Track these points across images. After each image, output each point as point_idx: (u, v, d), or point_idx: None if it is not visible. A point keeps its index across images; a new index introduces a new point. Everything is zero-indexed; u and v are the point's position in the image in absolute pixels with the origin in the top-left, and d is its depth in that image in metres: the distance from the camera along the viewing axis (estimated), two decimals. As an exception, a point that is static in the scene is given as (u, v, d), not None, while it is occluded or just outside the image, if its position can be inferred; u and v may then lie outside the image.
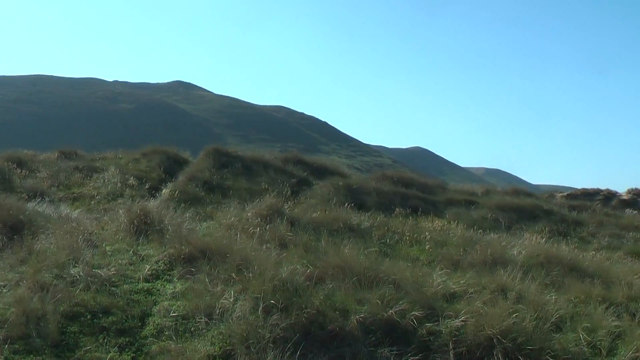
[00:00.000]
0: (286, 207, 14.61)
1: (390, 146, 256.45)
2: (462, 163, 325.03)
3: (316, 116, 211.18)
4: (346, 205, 15.86)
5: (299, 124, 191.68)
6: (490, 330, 7.95)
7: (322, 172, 25.84)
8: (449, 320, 8.25)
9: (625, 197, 51.04)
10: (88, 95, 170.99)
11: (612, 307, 9.87)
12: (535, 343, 7.99)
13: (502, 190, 32.33)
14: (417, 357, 7.62)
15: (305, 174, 24.27)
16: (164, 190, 19.39)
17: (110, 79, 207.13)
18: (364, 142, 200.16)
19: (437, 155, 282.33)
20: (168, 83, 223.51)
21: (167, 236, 10.88)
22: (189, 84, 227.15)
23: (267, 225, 12.14)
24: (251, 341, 7.28)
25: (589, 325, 8.82)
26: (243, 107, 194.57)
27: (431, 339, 8.00)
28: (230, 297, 8.26)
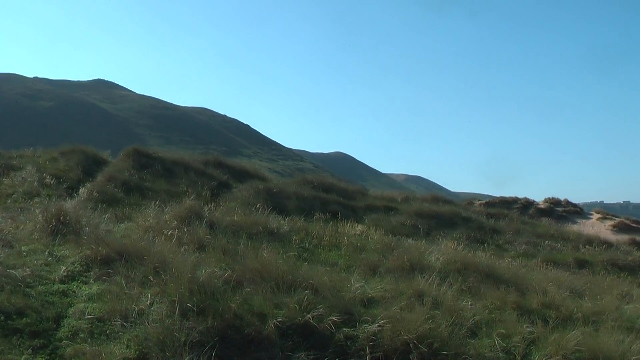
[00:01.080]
0: (206, 209, 14.52)
1: (312, 151, 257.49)
2: (384, 169, 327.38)
3: (239, 119, 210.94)
4: (266, 209, 15.83)
5: (222, 126, 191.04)
6: (407, 336, 8.02)
7: (242, 175, 25.80)
8: (366, 325, 8.30)
9: (542, 206, 52.05)
10: (7, 91, 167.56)
11: (526, 314, 10.06)
12: (451, 348, 8.09)
13: (422, 197, 32.59)
14: (334, 362, 7.66)
15: (226, 177, 24.18)
16: (81, 190, 19.10)
17: (30, 76, 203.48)
18: (286, 146, 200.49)
19: (358, 161, 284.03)
20: (89, 81, 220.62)
21: (84, 237, 10.70)
22: (111, 82, 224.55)
23: (185, 227, 12.03)
24: (167, 344, 7.20)
25: (504, 331, 8.98)
26: (165, 107, 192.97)
27: (348, 343, 8.03)
28: (147, 300, 8.19)
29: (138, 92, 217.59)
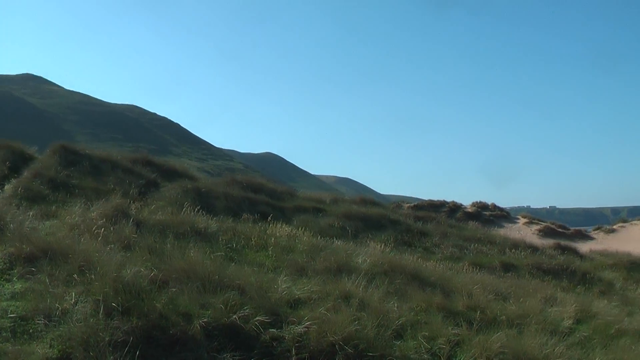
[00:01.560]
0: (133, 208, 14.39)
1: (242, 151, 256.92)
2: (314, 171, 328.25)
3: (169, 117, 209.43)
4: (194, 208, 15.73)
5: (152, 124, 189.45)
6: (333, 337, 8.06)
7: (171, 174, 25.54)
8: (293, 326, 8.30)
9: (469, 210, 52.79)
10: None
11: (452, 316, 10.17)
12: (377, 350, 8.15)
13: (350, 199, 32.73)
14: (260, 363, 7.64)
15: (154, 175, 23.88)
16: (6, 187, 18.76)
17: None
18: (216, 145, 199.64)
19: (288, 162, 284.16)
20: (17, 75, 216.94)
21: (8, 234, 10.50)
22: (40, 77, 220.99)
23: (112, 226, 11.89)
24: (91, 344, 7.09)
25: (429, 333, 9.11)
26: (95, 104, 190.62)
27: (274, 344, 8.02)
28: (71, 299, 8.04)
29: (67, 87, 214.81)
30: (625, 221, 56.06)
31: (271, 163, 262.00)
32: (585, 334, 11.15)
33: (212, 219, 14.58)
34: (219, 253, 11.15)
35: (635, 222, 54.57)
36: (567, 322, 11.62)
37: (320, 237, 15.35)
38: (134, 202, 15.84)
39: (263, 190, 25.79)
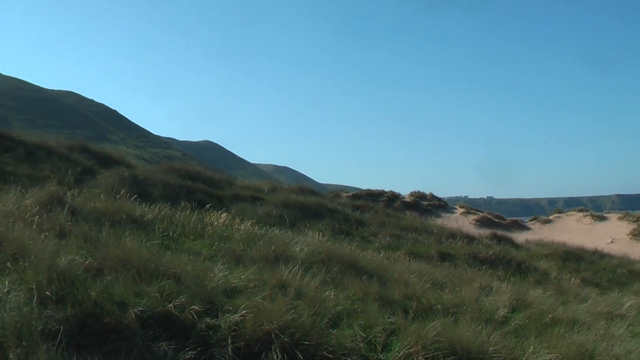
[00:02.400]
0: (69, 196, 14.22)
1: (180, 139, 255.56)
2: (252, 159, 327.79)
3: (106, 104, 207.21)
4: (131, 196, 15.60)
5: (89, 111, 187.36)
6: (269, 326, 8.05)
7: (108, 161, 25.29)
8: (229, 314, 8.27)
9: (407, 200, 53.10)
10: None
11: (388, 305, 10.22)
12: (313, 338, 8.15)
13: (289, 187, 32.69)
14: (195, 352, 7.57)
15: (91, 162, 23.63)
16: (-63, 174, 18.47)
17: None
18: (154, 133, 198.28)
19: (227, 150, 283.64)
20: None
21: (-62, 223, 10.36)
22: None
23: (47, 213, 11.73)
24: (24, 333, 6.98)
25: (365, 321, 9.10)
26: (31, 90, 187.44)
27: (210, 333, 7.98)
28: (4, 288, 7.90)
29: (3, 72, 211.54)
30: (561, 212, 56.78)
31: (209, 151, 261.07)
32: (520, 323, 11.26)
33: (148, 207, 14.47)
34: (155, 241, 11.06)
35: (570, 212, 55.33)
36: (502, 311, 11.73)
37: (258, 226, 15.34)
38: (69, 190, 15.64)
39: (201, 178, 25.67)
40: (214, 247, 12.01)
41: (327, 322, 8.78)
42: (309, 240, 13.87)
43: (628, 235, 45.91)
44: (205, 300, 8.45)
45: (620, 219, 50.92)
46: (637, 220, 49.15)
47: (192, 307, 8.15)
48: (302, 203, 25.29)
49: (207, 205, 17.39)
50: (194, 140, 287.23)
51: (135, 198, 15.60)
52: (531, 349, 9.27)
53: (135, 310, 7.82)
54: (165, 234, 12.54)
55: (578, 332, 10.87)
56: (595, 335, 11.04)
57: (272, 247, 11.97)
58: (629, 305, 15.81)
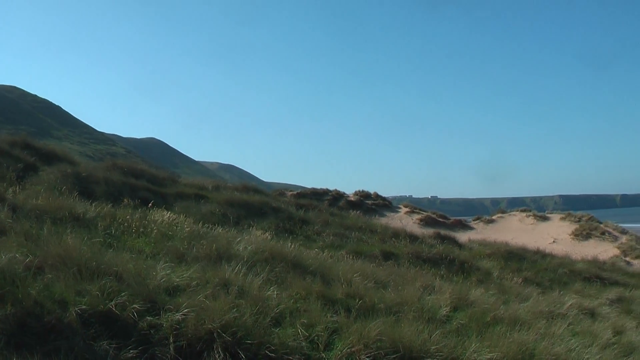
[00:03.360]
0: (9, 193, 14.06)
1: (124, 135, 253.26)
2: (197, 157, 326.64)
3: (50, 99, 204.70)
4: (74, 193, 15.46)
5: (32, 106, 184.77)
6: (211, 324, 8.05)
7: (51, 158, 24.95)
8: (170, 313, 8.26)
9: (352, 199, 53.22)
10: None
11: (331, 304, 10.25)
12: (255, 337, 8.17)
13: (233, 185, 32.59)
14: (137, 351, 7.54)
15: (33, 159, 23.34)
16: None
17: None
18: (98, 129, 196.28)
19: (171, 148, 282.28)
20: None
21: None
22: None
23: (-14, 211, 11.60)
24: (-39, 332, 6.93)
25: (307, 320, 9.12)
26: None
27: (152, 332, 7.96)
28: (-57, 286, 7.84)
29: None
30: (504, 212, 57.37)
31: (154, 148, 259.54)
32: (462, 322, 11.35)
33: (91, 205, 14.34)
34: (97, 239, 10.97)
35: (513, 212, 55.94)
36: (445, 310, 11.81)
37: (202, 224, 15.26)
38: (10, 187, 15.45)
39: (144, 175, 25.47)
40: (157, 245, 11.95)
41: (269, 321, 8.81)
42: (252, 239, 13.83)
43: (570, 235, 46.56)
44: (147, 298, 8.42)
45: (563, 219, 51.61)
46: (578, 221, 49.90)
47: (134, 305, 8.12)
48: (246, 201, 25.21)
49: (151, 203, 17.26)
50: (139, 137, 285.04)
51: (77, 195, 15.47)
52: (472, 347, 9.37)
53: (76, 308, 7.76)
54: (108, 231, 12.43)
55: (519, 331, 10.98)
56: (536, 334, 11.18)
57: (215, 246, 11.93)
58: (570, 305, 16.06)
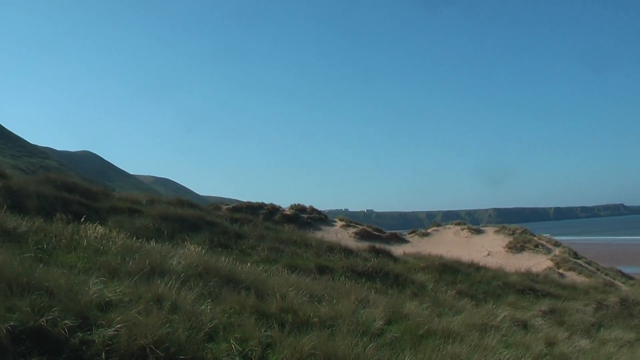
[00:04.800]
0: (-63, 207, 13.86)
1: (58, 148, 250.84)
2: (132, 170, 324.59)
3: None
4: (4, 207, 15.25)
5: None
6: (144, 340, 8.02)
7: (-19, 172, 24.70)
8: (102, 329, 8.19)
9: (287, 212, 53.30)
10: None
11: (265, 318, 10.25)
12: (188, 353, 8.16)
13: (167, 199, 32.44)
14: (69, 367, 7.49)
15: (-37, 173, 23.08)
16: None
17: None
18: (31, 142, 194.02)
19: (106, 161, 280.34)
20: None
21: None
22: None
23: None
24: None
25: (241, 335, 9.14)
26: None
27: (83, 348, 7.89)
28: None
29: None
30: (439, 225, 58.11)
31: (88, 162, 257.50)
32: (395, 335, 11.44)
33: (22, 219, 14.16)
34: (28, 254, 10.82)
35: (448, 226, 56.65)
36: (379, 323, 11.87)
37: (135, 239, 15.14)
38: (-61, 202, 15.22)
39: (77, 189, 25.19)
40: (89, 260, 11.83)
41: (203, 336, 8.79)
42: (186, 253, 13.77)
43: (504, 248, 47.28)
44: (79, 314, 8.33)
45: (497, 232, 52.42)
46: (512, 234, 50.71)
47: (65, 321, 8.03)
48: (180, 216, 25.05)
49: (83, 218, 17.09)
50: (73, 150, 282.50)
51: (8, 209, 15.26)
52: (406, 360, 9.44)
53: (6, 325, 7.65)
54: (39, 246, 12.27)
55: (452, 344, 11.10)
56: (469, 347, 11.28)
57: (149, 260, 11.86)
58: (503, 317, 16.19)
